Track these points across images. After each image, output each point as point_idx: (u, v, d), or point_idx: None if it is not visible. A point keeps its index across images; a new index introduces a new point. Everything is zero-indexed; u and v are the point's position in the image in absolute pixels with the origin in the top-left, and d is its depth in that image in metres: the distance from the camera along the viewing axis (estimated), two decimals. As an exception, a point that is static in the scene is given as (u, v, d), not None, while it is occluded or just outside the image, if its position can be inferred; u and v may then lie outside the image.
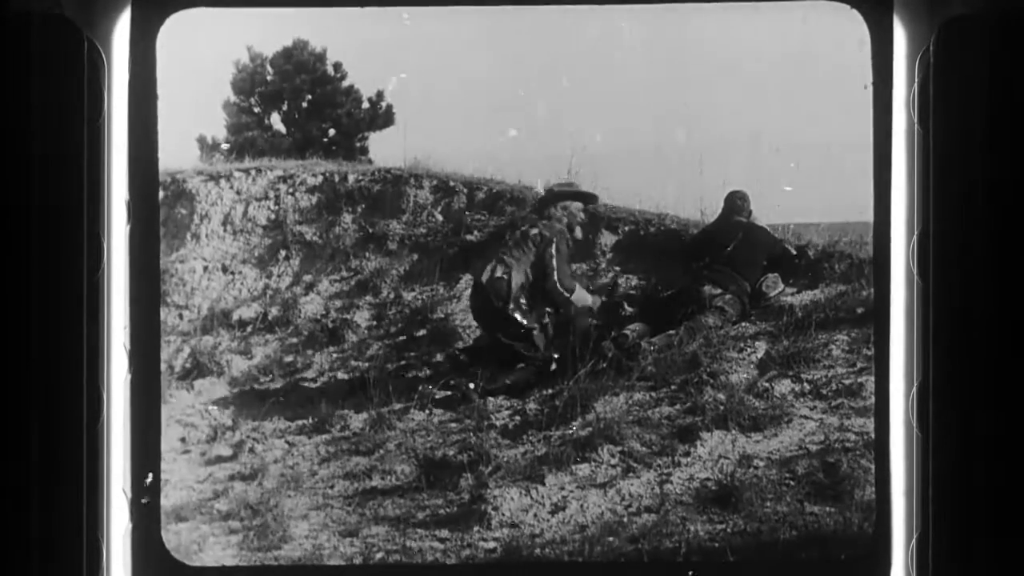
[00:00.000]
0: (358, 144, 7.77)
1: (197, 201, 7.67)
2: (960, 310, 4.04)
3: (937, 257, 4.07)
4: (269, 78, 7.55)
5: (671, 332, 6.82)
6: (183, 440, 6.50)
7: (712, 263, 7.04)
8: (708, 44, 6.07)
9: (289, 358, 7.12)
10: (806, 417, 6.19)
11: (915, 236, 4.14)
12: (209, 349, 7.07)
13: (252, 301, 7.43)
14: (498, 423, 6.49)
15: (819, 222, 7.06)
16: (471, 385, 6.69)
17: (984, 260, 4.02)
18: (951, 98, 4.05)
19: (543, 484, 6.01)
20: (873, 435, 4.49)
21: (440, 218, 7.59)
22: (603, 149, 6.67)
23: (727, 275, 7.00)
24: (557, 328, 6.89)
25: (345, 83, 7.64)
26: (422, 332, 7.19)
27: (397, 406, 6.68)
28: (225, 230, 7.65)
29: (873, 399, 4.49)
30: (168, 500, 5.81)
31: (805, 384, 6.36)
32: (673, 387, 6.51)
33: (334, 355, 7.13)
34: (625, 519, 5.75)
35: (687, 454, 6.09)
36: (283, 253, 7.59)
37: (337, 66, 7.60)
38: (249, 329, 7.27)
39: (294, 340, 7.22)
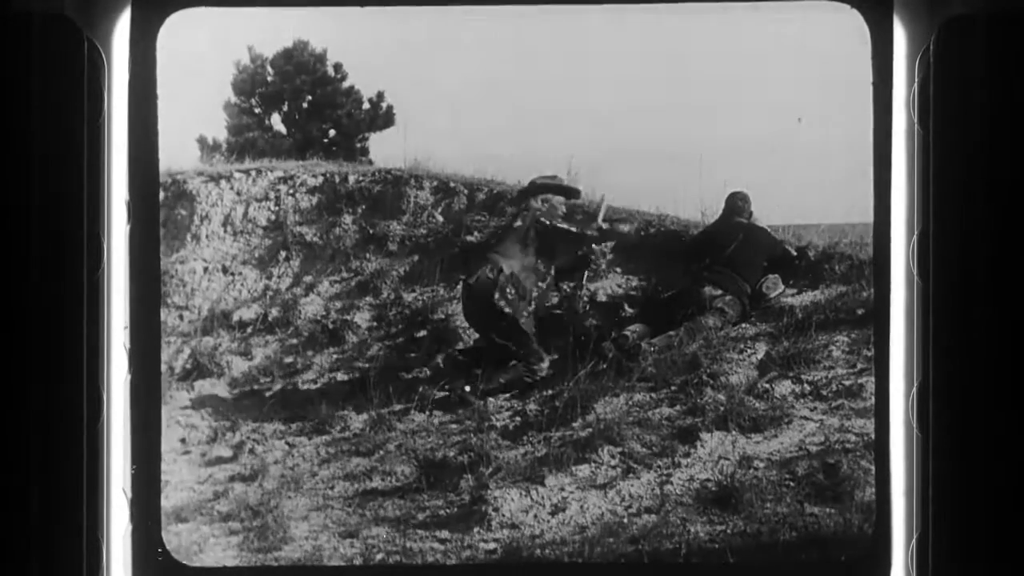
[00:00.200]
0: (358, 145, 7.77)
1: (197, 202, 7.67)
2: (960, 310, 4.03)
3: (937, 257, 4.06)
4: (269, 79, 7.55)
5: (671, 333, 6.82)
6: (183, 441, 6.51)
7: (712, 264, 7.04)
8: (708, 44, 6.07)
9: (289, 359, 7.12)
10: (806, 418, 6.18)
11: (915, 236, 4.14)
12: (209, 350, 7.07)
13: (252, 302, 7.43)
14: (498, 424, 6.49)
15: (819, 223, 7.06)
16: (467, 388, 6.70)
17: (984, 260, 4.02)
18: (951, 98, 4.05)
19: (543, 485, 6.01)
20: (873, 436, 4.49)
21: (440, 219, 7.59)
22: (603, 149, 6.67)
23: (727, 276, 6.99)
24: (555, 327, 6.90)
25: (345, 84, 7.64)
26: (422, 333, 7.19)
27: (397, 407, 6.68)
28: (225, 231, 7.64)
29: (873, 400, 4.49)
30: (168, 501, 5.81)
31: (805, 385, 6.36)
32: (673, 388, 6.51)
33: (334, 356, 7.13)
34: (625, 520, 5.74)
35: (687, 455, 6.09)
36: (283, 254, 7.59)
37: (337, 67, 7.60)
38: (249, 330, 7.27)
39: (294, 341, 7.22)
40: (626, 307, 7.09)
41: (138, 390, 4.34)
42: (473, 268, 7.06)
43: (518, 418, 6.52)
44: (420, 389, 6.75)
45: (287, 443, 6.53)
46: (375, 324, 7.29)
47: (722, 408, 6.26)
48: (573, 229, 7.05)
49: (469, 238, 7.48)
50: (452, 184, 7.67)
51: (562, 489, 5.98)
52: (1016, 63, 4.01)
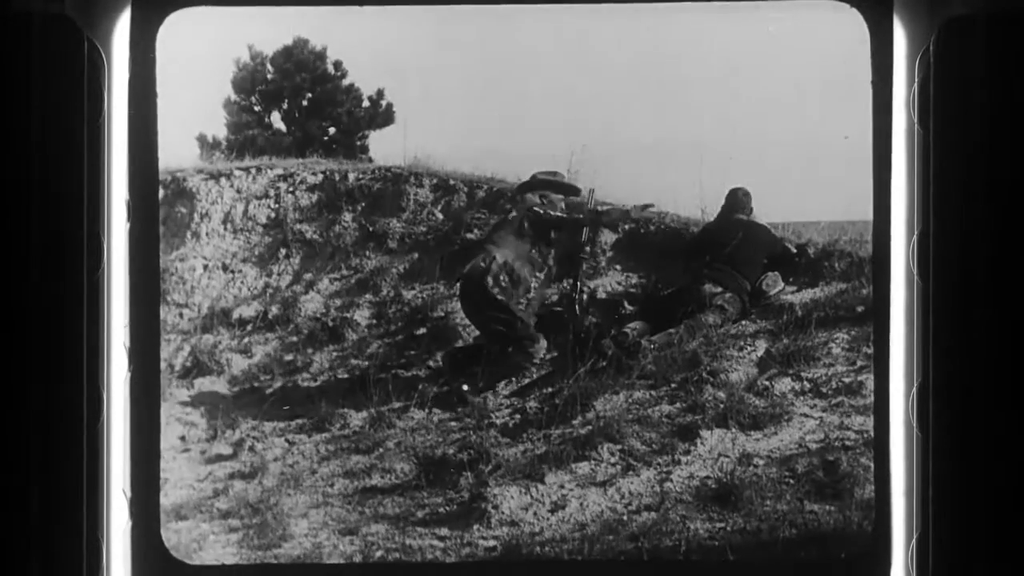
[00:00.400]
0: (358, 142, 7.77)
1: (197, 200, 7.67)
2: (960, 310, 4.03)
3: (937, 257, 4.06)
4: (269, 76, 7.55)
5: (671, 330, 6.82)
6: (183, 439, 6.51)
7: (712, 261, 7.04)
8: (708, 43, 6.07)
9: (289, 356, 7.12)
10: (806, 415, 6.19)
11: (915, 236, 4.14)
12: (209, 348, 7.07)
13: (252, 300, 7.43)
14: (498, 421, 6.50)
15: (818, 220, 7.06)
16: (465, 387, 6.70)
17: (984, 260, 4.02)
18: (951, 98, 4.04)
19: (543, 482, 6.01)
20: (873, 434, 4.49)
21: (440, 216, 7.59)
22: (603, 147, 6.67)
23: (727, 274, 6.99)
24: (555, 324, 6.90)
25: (345, 81, 7.64)
26: (422, 331, 7.19)
27: (397, 404, 6.68)
28: (225, 228, 7.64)
29: (872, 397, 4.49)
30: (168, 499, 5.82)
31: (805, 382, 6.36)
32: (673, 385, 6.51)
33: (334, 353, 7.13)
34: (625, 517, 5.75)
35: (687, 452, 6.09)
36: (283, 251, 7.59)
37: (337, 64, 7.60)
38: (249, 328, 7.27)
39: (294, 339, 7.22)
40: (626, 304, 7.10)
41: (137, 388, 4.34)
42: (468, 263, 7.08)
43: (518, 415, 6.52)
44: (420, 387, 6.75)
45: (287, 440, 6.53)
46: (375, 321, 7.30)
47: (722, 405, 6.27)
48: (564, 216, 7.05)
49: (469, 235, 7.48)
50: (452, 182, 7.67)
51: (562, 486, 5.98)
52: (1016, 63, 4.01)
